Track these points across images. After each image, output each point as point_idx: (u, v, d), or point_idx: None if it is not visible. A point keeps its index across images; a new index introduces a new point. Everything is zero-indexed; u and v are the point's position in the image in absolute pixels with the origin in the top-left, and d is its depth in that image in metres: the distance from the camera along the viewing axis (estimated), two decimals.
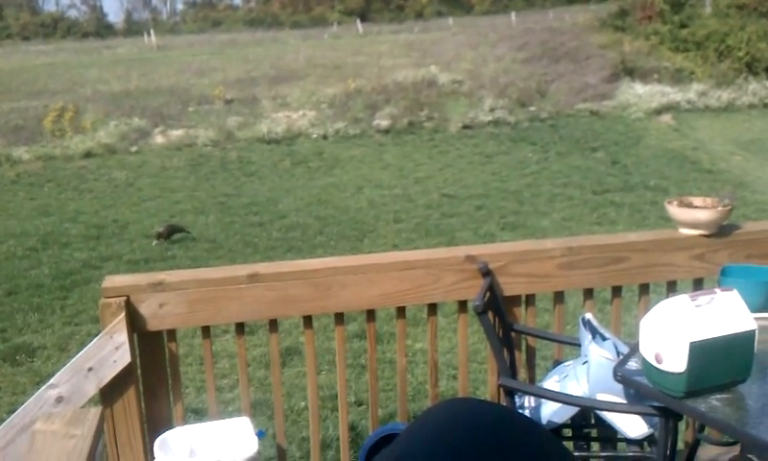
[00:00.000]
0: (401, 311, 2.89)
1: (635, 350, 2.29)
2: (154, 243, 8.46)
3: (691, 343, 1.96)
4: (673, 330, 2.00)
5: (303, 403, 4.73)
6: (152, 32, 53.29)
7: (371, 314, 2.87)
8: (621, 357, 2.38)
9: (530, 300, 2.99)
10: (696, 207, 2.99)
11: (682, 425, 2.75)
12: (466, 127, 15.26)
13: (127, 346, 2.56)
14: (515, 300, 2.94)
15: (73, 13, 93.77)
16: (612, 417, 2.50)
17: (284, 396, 2.95)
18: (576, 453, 2.76)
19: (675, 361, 1.99)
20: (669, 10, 22.42)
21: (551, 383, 2.68)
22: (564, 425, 2.72)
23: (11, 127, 16.82)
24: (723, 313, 2.00)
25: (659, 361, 2.04)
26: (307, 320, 2.80)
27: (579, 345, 2.73)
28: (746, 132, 14.99)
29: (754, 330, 2.00)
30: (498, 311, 2.82)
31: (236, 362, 5.26)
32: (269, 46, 41.06)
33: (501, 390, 2.70)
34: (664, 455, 2.30)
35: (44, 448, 1.95)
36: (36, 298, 7.15)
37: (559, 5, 46.74)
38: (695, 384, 2.00)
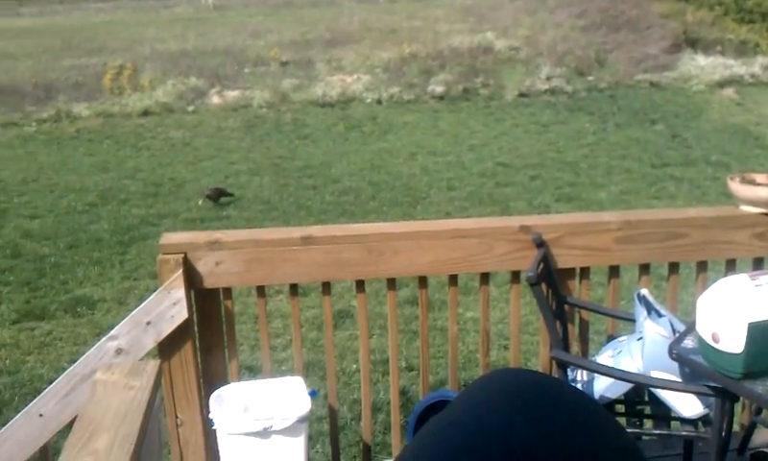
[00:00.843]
0: (453, 279, 2.89)
1: (691, 328, 2.26)
2: (200, 202, 8.55)
3: (750, 323, 1.93)
4: (731, 310, 1.97)
5: (355, 366, 4.78)
6: None
7: (422, 281, 2.88)
8: (677, 335, 2.36)
9: (584, 273, 2.97)
10: (759, 185, 2.92)
11: (738, 407, 2.71)
12: (522, 95, 15.05)
13: (184, 302, 2.61)
14: (569, 272, 2.91)
15: None
16: (666, 395, 2.48)
17: (336, 358, 2.99)
18: (629, 430, 2.75)
19: (732, 341, 1.97)
20: None
21: (604, 358, 2.67)
22: (617, 401, 2.70)
23: (71, 83, 17.13)
24: None
25: (715, 341, 2.02)
26: (360, 284, 2.82)
27: (634, 320, 2.70)
28: None
29: None
30: (552, 283, 2.81)
31: (289, 322, 5.35)
32: (324, 8, 40.88)
33: (554, 362, 2.69)
34: (719, 437, 2.28)
35: (104, 398, 2.01)
36: (96, 252, 7.33)
37: None
38: (753, 365, 1.97)
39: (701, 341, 2.08)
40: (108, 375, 2.17)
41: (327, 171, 10.19)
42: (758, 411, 2.77)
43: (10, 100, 15.41)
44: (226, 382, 2.75)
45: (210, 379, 2.77)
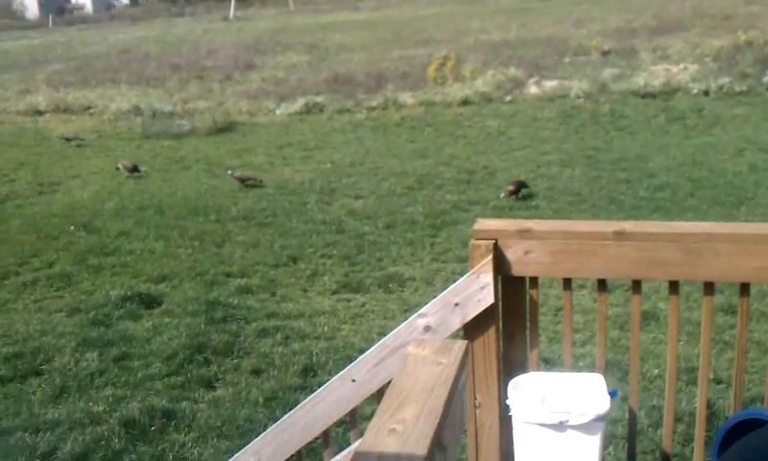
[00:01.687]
0: None
1: None
2: (501, 196, 8.58)
3: None
4: None
5: (656, 371, 4.57)
6: None
7: (744, 288, 2.65)
8: None
9: None
10: None
11: None
12: None
13: (491, 287, 2.66)
14: None
15: None
16: None
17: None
18: None
19: None
20: None
21: None
22: None
23: (399, 73, 18.22)
24: None
25: None
26: (673, 285, 2.67)
27: None
28: None
29: None
30: None
31: (589, 318, 5.26)
32: None
33: None
34: None
35: (414, 371, 2.13)
36: (410, 233, 7.76)
37: None
38: None
39: None
40: (419, 349, 2.28)
41: (643, 165, 9.76)
42: None
43: (344, 88, 16.81)
44: (524, 371, 2.76)
45: (510, 366, 2.80)
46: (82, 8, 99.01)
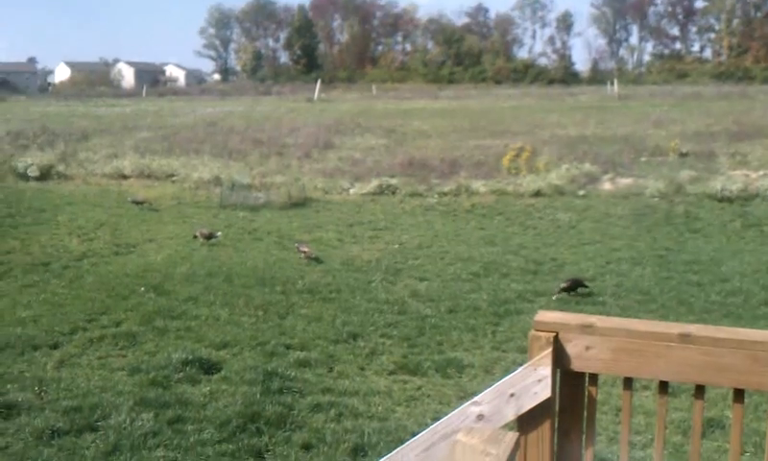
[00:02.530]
0: None
1: None
2: (554, 297, 8.29)
3: None
4: None
5: None
6: (615, 81, 53.94)
7: None
8: None
9: None
10: None
11: None
12: None
13: (549, 380, 2.61)
14: None
15: (543, 61, 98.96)
16: None
17: None
18: None
19: None
20: None
21: None
22: None
23: (474, 162, 18.38)
24: None
25: None
26: (738, 393, 2.57)
27: None
28: None
29: None
30: None
31: (651, 421, 5.08)
32: (735, 101, 38.73)
33: None
34: None
35: (462, 459, 2.09)
36: (472, 319, 7.68)
37: None
38: None
39: None
40: (469, 438, 2.24)
41: (716, 268, 9.51)
42: None
43: (418, 173, 17.02)
44: None
45: None
46: (175, 80, 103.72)
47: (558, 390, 2.70)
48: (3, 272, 9.56)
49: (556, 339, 2.64)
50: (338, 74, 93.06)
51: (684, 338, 2.56)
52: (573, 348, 2.66)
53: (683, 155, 18.33)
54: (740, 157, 17.86)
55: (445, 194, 15.22)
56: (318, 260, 10.09)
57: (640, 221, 12.63)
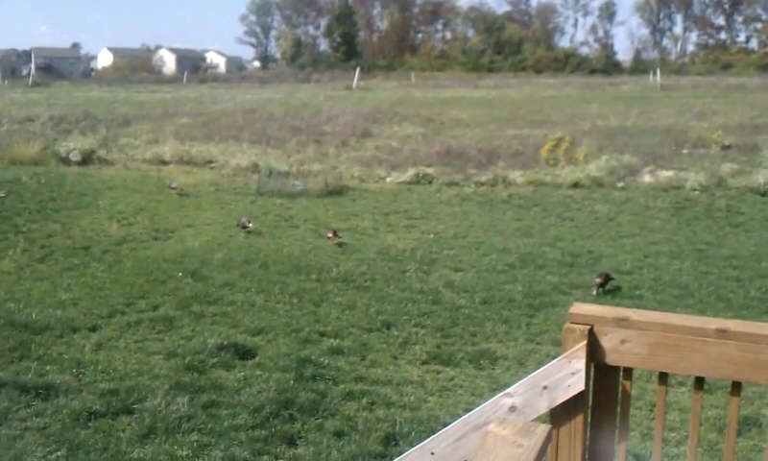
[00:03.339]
0: None
1: None
2: (594, 293, 8.14)
3: None
4: None
5: None
6: (657, 71, 53.13)
7: None
8: None
9: None
10: None
11: None
12: None
13: (583, 374, 2.59)
14: None
15: (584, 50, 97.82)
16: None
17: None
18: None
19: None
20: None
21: None
22: None
23: (511, 151, 18.24)
24: None
25: None
26: None
27: None
28: None
29: None
30: None
31: (686, 417, 5.00)
32: None
33: None
34: None
35: (494, 449, 2.07)
36: (507, 311, 7.63)
37: None
38: None
39: None
40: (500, 429, 2.23)
41: (757, 264, 9.33)
42: None
43: (456, 162, 16.94)
44: None
45: (595, 458, 2.69)
46: (216, 67, 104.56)
47: (592, 384, 2.68)
48: (44, 255, 9.74)
49: (591, 332, 2.61)
50: (377, 62, 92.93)
51: (722, 333, 2.52)
52: (608, 341, 2.63)
53: (725, 147, 17.99)
54: None
55: (482, 184, 15.13)
56: (341, 245, 10.14)
57: (680, 214, 12.43)
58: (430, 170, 16.04)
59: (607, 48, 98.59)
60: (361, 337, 6.88)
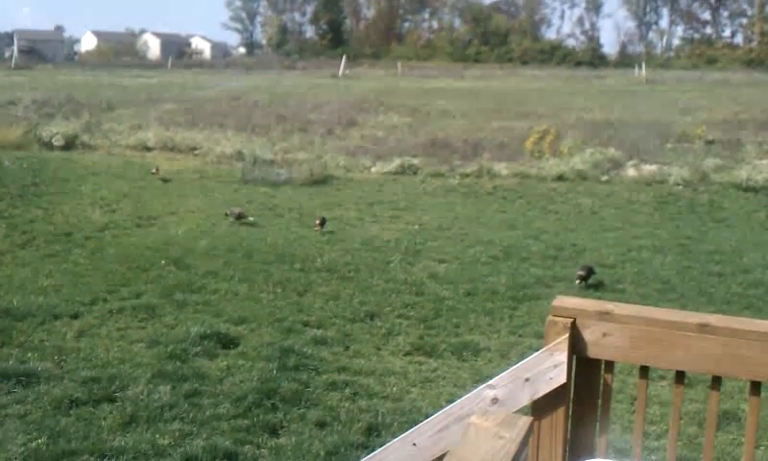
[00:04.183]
0: None
1: None
2: (577, 282, 8.20)
3: None
4: None
5: None
6: (643, 65, 53.34)
7: None
8: None
9: None
10: None
11: None
12: None
13: (565, 366, 2.61)
14: None
15: (571, 43, 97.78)
16: None
17: None
18: None
19: None
20: None
21: None
22: None
23: (496, 143, 18.27)
24: None
25: None
26: (755, 386, 2.55)
27: None
28: None
29: None
30: None
31: (667, 411, 5.05)
32: (764, 89, 38.17)
33: None
34: None
35: (476, 441, 2.09)
36: (490, 303, 7.66)
37: None
38: None
39: None
40: (483, 420, 2.24)
41: (738, 259, 9.42)
42: None
43: (440, 153, 16.95)
44: (591, 457, 2.67)
45: (576, 450, 2.71)
46: (200, 53, 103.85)
47: (573, 376, 2.70)
48: (26, 241, 9.66)
49: (573, 325, 2.63)
50: (363, 50, 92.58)
51: (703, 328, 2.54)
52: (590, 334, 2.65)
53: (709, 142, 18.12)
54: (767, 145, 17.62)
55: (467, 175, 15.15)
56: (324, 234, 10.19)
57: (663, 209, 12.52)
58: (415, 161, 16.05)
59: (593, 41, 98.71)
60: (344, 327, 6.89)
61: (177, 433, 4.78)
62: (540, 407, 2.67)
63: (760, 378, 2.53)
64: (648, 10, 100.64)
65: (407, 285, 8.14)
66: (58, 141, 18.11)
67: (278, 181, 14.49)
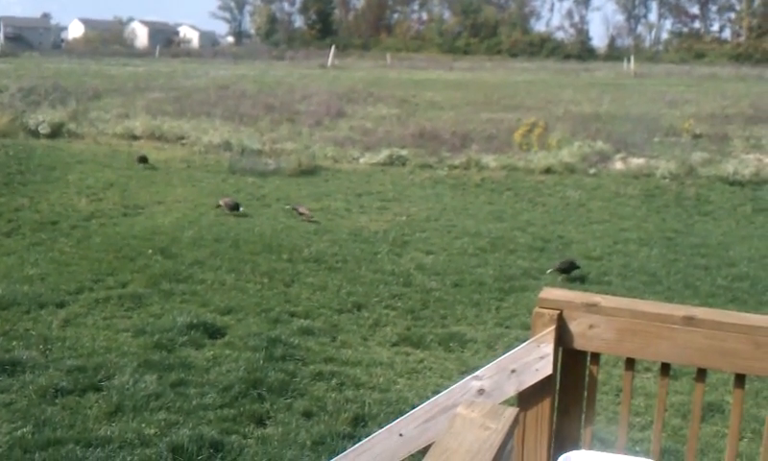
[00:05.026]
0: None
1: None
2: (548, 271, 8.32)
3: None
4: None
5: None
6: (632, 58, 53.43)
7: None
8: None
9: None
10: None
11: None
12: None
13: (551, 358, 2.61)
14: None
15: (560, 35, 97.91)
16: None
17: (697, 452, 2.75)
18: None
19: None
20: None
21: None
22: None
23: (485, 135, 18.28)
24: None
25: None
26: (739, 378, 2.57)
27: None
28: None
29: None
30: None
31: (651, 402, 5.08)
32: (752, 83, 38.39)
33: None
34: None
35: (462, 431, 2.09)
36: (477, 294, 7.68)
37: None
38: None
39: None
40: (469, 411, 2.24)
41: (724, 253, 9.48)
42: None
43: (429, 144, 16.94)
44: (576, 448, 2.68)
45: (561, 441, 2.72)
46: (188, 42, 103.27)
47: (559, 368, 2.70)
48: (11, 229, 9.60)
49: (560, 317, 2.64)
50: (352, 41, 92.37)
51: (689, 321, 2.56)
52: (577, 326, 2.65)
53: (696, 136, 18.19)
54: (754, 140, 17.72)
55: (455, 167, 15.16)
56: (316, 222, 10.14)
57: (650, 202, 12.57)
58: (404, 152, 16.03)
59: (582, 34, 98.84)
60: (331, 318, 6.89)
61: (163, 423, 4.77)
62: (526, 398, 2.68)
63: (745, 371, 2.54)
64: (637, 3, 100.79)
65: (394, 276, 8.15)
66: (44, 129, 17.98)
67: (266, 171, 14.44)
